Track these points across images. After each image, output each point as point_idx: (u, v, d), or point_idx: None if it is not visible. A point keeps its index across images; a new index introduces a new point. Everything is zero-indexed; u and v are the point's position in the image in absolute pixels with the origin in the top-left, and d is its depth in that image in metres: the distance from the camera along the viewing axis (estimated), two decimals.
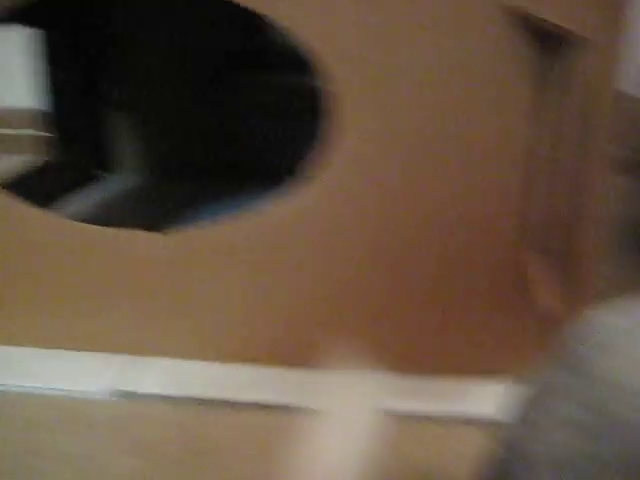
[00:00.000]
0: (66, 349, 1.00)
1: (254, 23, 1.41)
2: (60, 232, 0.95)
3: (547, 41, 0.55)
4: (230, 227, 0.70)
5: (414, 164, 0.60)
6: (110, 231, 0.89)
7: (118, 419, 0.79)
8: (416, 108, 0.58)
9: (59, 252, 0.95)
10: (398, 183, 0.60)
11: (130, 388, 0.88)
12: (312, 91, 0.66)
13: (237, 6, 0.57)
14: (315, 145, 0.60)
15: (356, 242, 0.64)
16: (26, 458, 0.64)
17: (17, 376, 0.96)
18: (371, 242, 0.64)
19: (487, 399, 0.66)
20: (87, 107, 1.71)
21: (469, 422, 0.62)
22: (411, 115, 0.58)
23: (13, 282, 0.90)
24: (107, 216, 1.07)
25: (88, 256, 0.94)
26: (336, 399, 0.52)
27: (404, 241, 0.64)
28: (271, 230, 0.67)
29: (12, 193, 0.91)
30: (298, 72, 1.00)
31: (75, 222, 0.92)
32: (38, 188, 0.98)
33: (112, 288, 0.93)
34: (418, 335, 0.69)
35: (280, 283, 0.71)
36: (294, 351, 0.75)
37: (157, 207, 1.42)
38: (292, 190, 0.62)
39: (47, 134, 1.66)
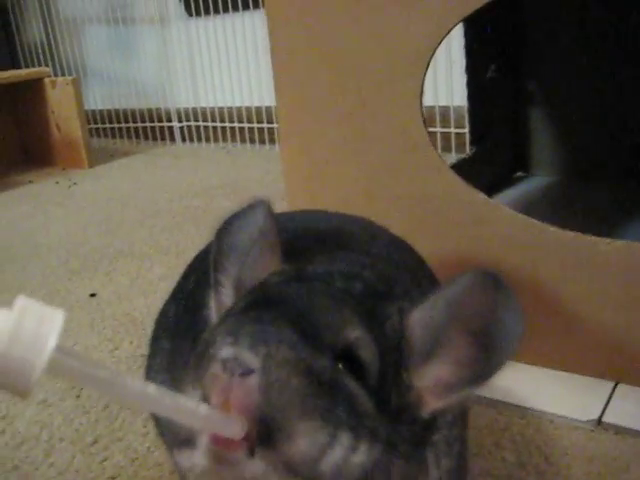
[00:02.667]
0: (549, 368, 1.04)
1: None
2: (507, 223, 0.97)
3: None
4: None
5: None
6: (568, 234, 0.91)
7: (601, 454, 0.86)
8: None
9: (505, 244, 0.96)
10: None
11: (617, 421, 0.91)
12: None
13: None
14: None
15: None
16: None
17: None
18: None
19: None
20: (503, 102, 1.73)
21: None
22: None
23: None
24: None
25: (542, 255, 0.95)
26: None
27: None
28: None
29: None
30: None
31: (520, 215, 0.94)
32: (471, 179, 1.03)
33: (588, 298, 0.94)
34: None
35: None
36: None
37: (583, 210, 1.41)
38: None
39: (470, 131, 1.70)
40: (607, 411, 0.93)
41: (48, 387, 1.17)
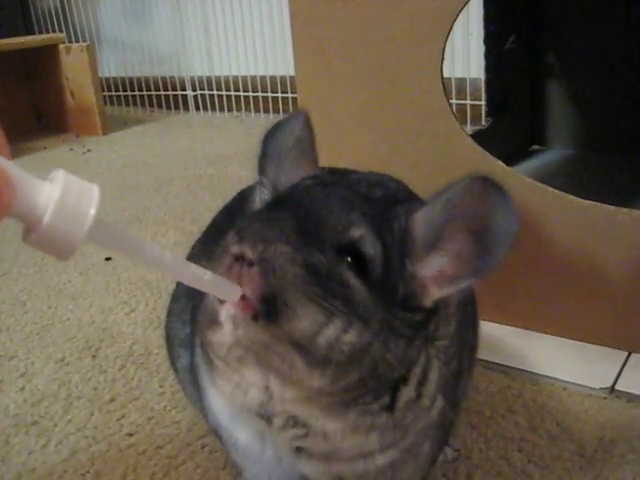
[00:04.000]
0: (563, 337, 1.04)
1: None
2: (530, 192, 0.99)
3: None
4: None
5: None
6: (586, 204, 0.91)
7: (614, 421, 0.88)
8: None
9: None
10: None
11: (630, 389, 0.93)
12: None
13: None
14: None
15: None
16: None
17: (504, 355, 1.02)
18: None
19: None
20: (521, 74, 1.73)
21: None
22: None
23: None
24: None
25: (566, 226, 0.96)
26: None
27: None
28: None
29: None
30: None
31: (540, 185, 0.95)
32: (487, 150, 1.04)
33: (607, 272, 0.95)
34: None
35: None
36: None
37: (600, 181, 1.41)
38: None
39: (487, 102, 1.70)
40: (620, 379, 0.94)
41: (66, 346, 1.19)
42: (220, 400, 0.61)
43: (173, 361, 0.86)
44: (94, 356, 1.16)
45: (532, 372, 0.99)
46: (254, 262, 0.47)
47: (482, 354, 0.92)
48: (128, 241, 0.42)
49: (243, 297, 0.47)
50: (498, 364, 1.01)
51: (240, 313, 0.48)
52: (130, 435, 0.95)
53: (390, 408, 0.55)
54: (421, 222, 0.54)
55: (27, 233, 0.37)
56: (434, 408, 0.58)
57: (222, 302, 0.49)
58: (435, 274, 0.54)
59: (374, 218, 0.53)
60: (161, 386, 1.05)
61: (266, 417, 0.56)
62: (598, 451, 0.84)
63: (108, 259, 1.57)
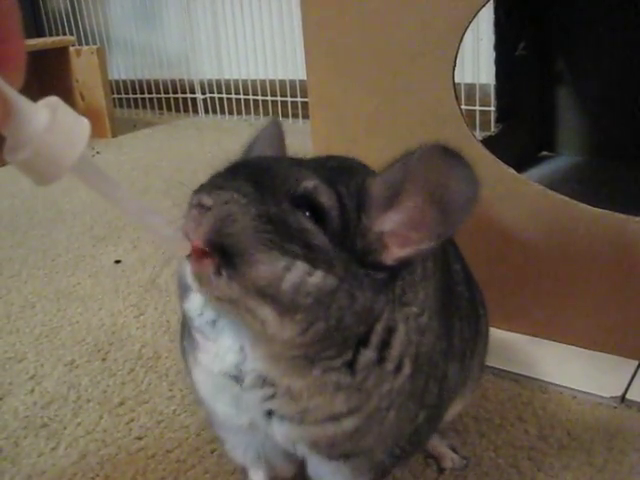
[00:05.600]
0: (573, 345, 1.04)
1: None
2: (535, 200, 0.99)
3: None
4: None
5: None
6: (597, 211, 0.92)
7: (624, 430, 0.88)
8: None
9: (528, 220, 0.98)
10: None
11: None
12: None
13: None
14: None
15: None
16: None
17: (516, 363, 1.02)
18: None
19: None
20: (530, 81, 1.73)
21: None
22: None
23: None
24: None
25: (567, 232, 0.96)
26: None
27: None
28: None
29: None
30: None
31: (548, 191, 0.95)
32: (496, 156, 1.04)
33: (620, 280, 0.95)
34: None
35: None
36: None
37: (609, 189, 1.41)
38: None
39: (497, 109, 1.70)
40: (631, 388, 0.94)
41: (75, 349, 1.19)
42: (202, 374, 0.63)
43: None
44: (103, 359, 1.16)
45: (542, 380, 0.98)
46: (209, 209, 0.50)
47: (492, 362, 0.93)
48: (105, 180, 0.42)
49: (204, 252, 0.49)
50: (508, 372, 1.00)
51: (201, 269, 0.50)
52: (139, 439, 0.95)
53: (352, 367, 0.56)
54: (378, 182, 0.56)
55: (14, 151, 0.37)
56: (401, 374, 0.59)
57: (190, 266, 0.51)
58: (394, 232, 0.55)
59: (328, 176, 0.55)
60: (170, 390, 1.05)
61: (240, 380, 0.58)
62: (608, 461, 0.83)
63: (118, 262, 1.57)
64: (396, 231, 0.55)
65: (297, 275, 0.50)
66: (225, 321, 0.56)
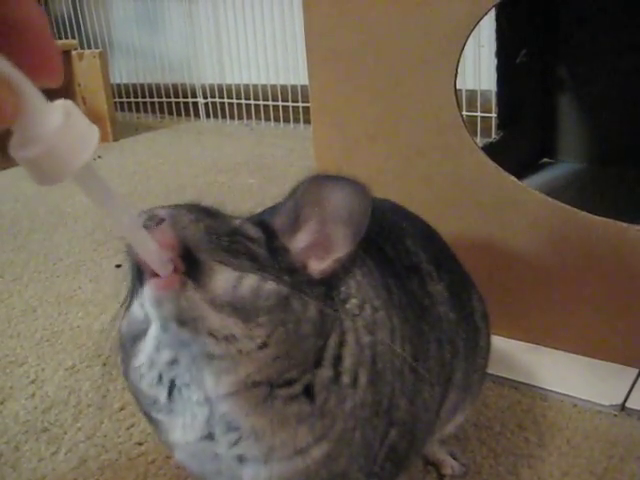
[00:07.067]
0: (573, 353, 1.05)
1: None
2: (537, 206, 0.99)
3: None
4: None
5: None
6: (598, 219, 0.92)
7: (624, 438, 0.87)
8: None
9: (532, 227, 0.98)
10: None
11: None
12: None
13: None
14: None
15: None
16: None
17: (514, 370, 1.02)
18: None
19: None
20: (532, 88, 1.73)
21: None
22: None
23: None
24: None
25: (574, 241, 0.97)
26: None
27: None
28: None
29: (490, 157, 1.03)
30: None
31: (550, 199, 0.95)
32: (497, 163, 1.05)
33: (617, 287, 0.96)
34: None
35: None
36: None
37: (610, 196, 1.42)
38: None
39: (498, 115, 1.71)
40: (631, 397, 0.94)
41: (76, 354, 1.20)
42: (177, 448, 0.61)
43: None
44: (104, 364, 1.16)
45: (542, 388, 0.98)
46: (164, 218, 0.51)
47: (492, 369, 0.93)
48: (102, 188, 0.42)
49: (175, 269, 0.50)
50: (508, 379, 1.00)
51: (167, 285, 0.49)
52: (140, 444, 0.95)
53: (311, 392, 0.56)
54: (282, 215, 0.61)
55: (22, 147, 0.36)
56: (359, 385, 0.58)
57: (145, 286, 0.51)
58: (307, 249, 0.59)
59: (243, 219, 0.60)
60: None
61: (212, 435, 0.57)
62: (608, 469, 0.83)
63: (119, 266, 1.57)
64: (308, 249, 0.59)
65: (253, 281, 0.52)
66: (183, 353, 0.53)
